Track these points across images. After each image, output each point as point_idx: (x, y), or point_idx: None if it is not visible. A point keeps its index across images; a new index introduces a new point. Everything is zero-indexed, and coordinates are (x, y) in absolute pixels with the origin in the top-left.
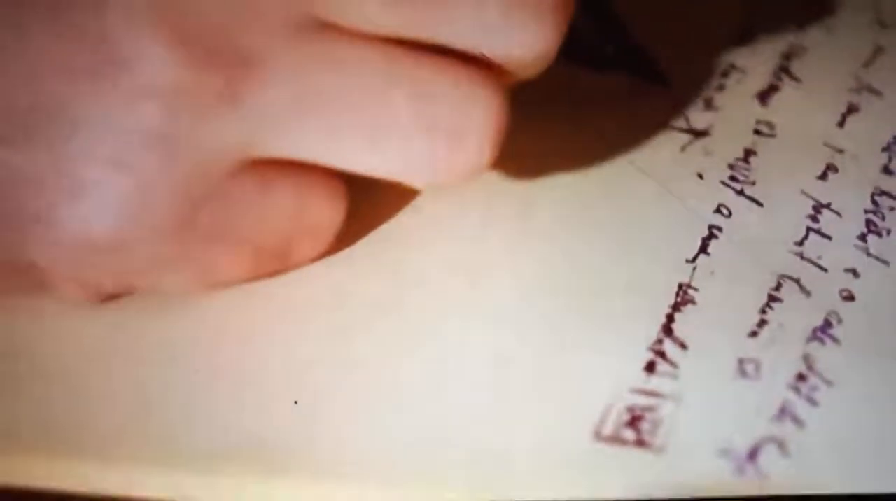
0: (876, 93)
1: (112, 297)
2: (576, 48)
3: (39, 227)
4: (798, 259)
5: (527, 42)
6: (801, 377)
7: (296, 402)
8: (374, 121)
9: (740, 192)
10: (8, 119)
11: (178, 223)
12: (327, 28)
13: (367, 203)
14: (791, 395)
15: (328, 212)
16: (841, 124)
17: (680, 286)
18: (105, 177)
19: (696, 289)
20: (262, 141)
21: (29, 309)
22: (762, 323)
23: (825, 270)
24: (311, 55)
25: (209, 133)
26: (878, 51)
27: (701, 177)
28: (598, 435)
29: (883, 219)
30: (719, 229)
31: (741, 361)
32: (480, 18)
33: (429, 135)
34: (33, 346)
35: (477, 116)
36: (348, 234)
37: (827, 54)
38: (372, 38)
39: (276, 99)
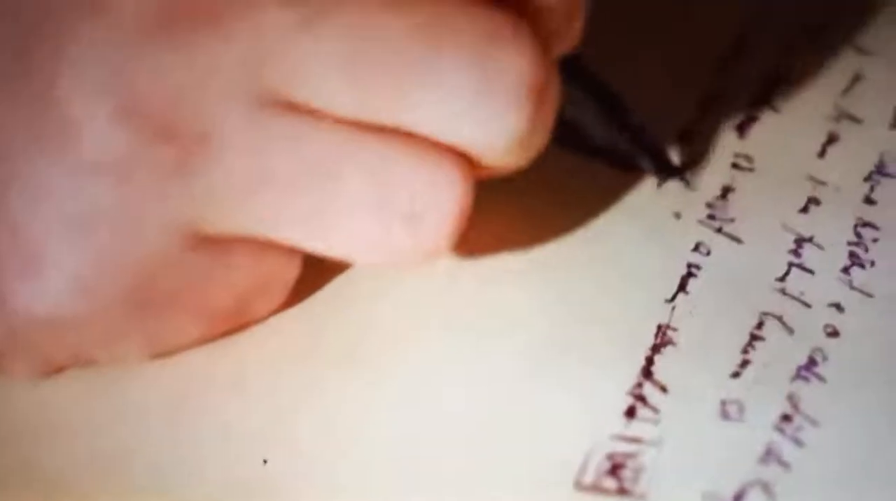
0: (856, 120)
1: (60, 369)
2: (585, 145)
3: None
4: (780, 295)
5: (494, 127)
6: (786, 417)
7: (265, 461)
8: (325, 200)
9: (719, 230)
10: None
11: (131, 296)
12: (286, 105)
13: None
14: (776, 436)
15: (283, 268)
16: (821, 154)
17: (659, 327)
18: (56, 252)
19: (675, 330)
20: (214, 216)
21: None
22: (745, 362)
23: (808, 306)
24: (267, 132)
25: (160, 207)
26: (856, 78)
27: (678, 216)
28: (579, 485)
29: (866, 250)
30: (698, 267)
31: (724, 403)
32: (448, 106)
33: (382, 217)
34: (11, 399)
35: (436, 200)
36: (308, 285)
37: (805, 82)
38: (331, 118)
39: (228, 175)
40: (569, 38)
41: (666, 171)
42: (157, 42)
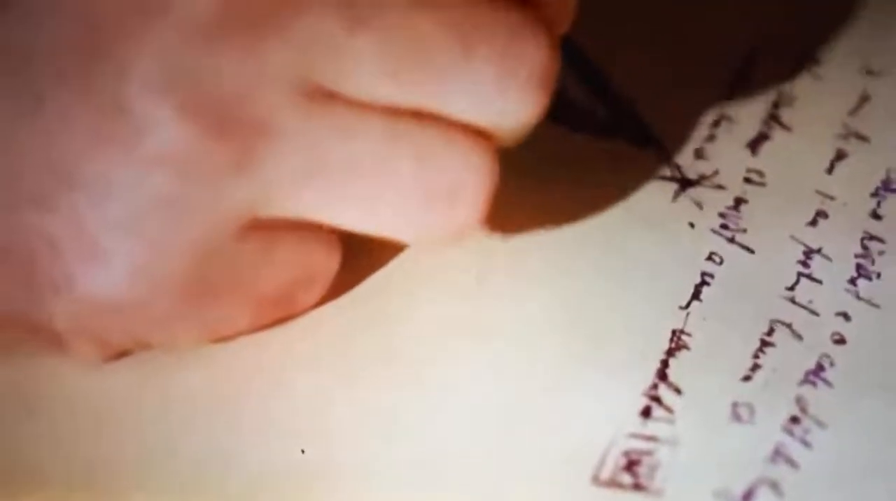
0: (863, 139)
1: (122, 354)
2: (568, 114)
3: (56, 289)
4: (790, 303)
5: (516, 111)
6: (794, 419)
7: (303, 451)
8: (377, 185)
9: (731, 240)
10: (27, 182)
11: (187, 282)
12: (333, 97)
13: (361, 252)
14: (785, 438)
15: (325, 261)
16: (830, 171)
17: (674, 332)
18: (118, 242)
19: (689, 335)
20: (269, 203)
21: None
22: (755, 367)
23: (817, 314)
24: (319, 123)
25: (218, 198)
26: (864, 98)
27: (692, 225)
28: (596, 480)
29: (873, 263)
30: (711, 276)
31: (735, 405)
32: (475, 90)
33: (426, 198)
34: (63, 390)
35: (471, 178)
36: (344, 282)
37: (816, 102)
38: (374, 107)
39: (284, 166)
40: (564, 21)
41: (642, 140)
42: (218, 42)
